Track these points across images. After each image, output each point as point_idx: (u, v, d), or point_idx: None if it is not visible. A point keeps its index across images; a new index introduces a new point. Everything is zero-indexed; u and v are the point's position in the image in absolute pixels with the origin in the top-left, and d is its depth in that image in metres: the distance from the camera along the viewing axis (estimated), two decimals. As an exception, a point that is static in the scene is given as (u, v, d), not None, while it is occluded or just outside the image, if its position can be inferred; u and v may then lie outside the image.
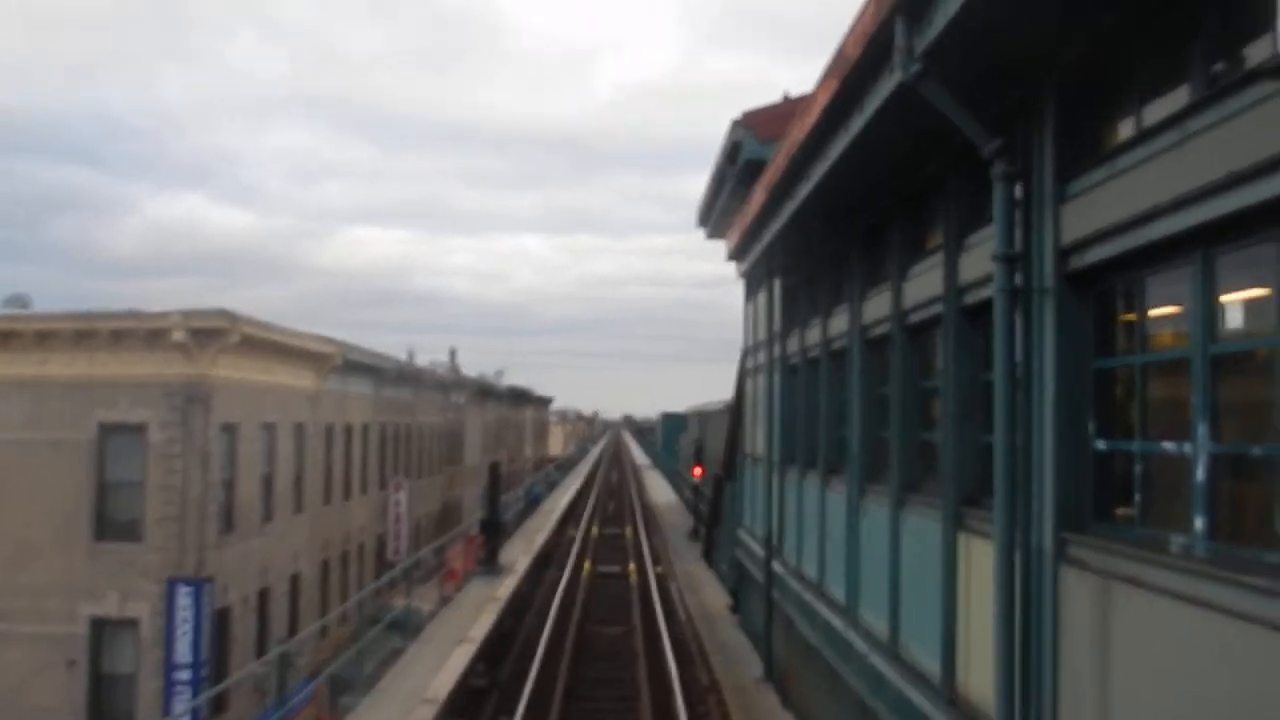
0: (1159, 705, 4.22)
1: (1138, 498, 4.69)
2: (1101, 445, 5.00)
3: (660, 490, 51.00)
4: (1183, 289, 4.33)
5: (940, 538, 6.85)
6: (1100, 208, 4.81)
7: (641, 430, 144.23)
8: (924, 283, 7.44)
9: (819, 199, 8.77)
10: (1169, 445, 4.42)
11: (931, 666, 6.98)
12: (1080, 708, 4.86)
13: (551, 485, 55.08)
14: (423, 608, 22.91)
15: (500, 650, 15.20)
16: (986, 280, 5.90)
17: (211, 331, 20.53)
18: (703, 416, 37.00)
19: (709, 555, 24.35)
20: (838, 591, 9.91)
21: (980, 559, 6.08)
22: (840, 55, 6.54)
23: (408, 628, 20.31)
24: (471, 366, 56.04)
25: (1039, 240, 5.35)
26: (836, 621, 9.75)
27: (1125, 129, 4.82)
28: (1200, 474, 4.08)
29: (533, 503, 46.76)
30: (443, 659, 13.10)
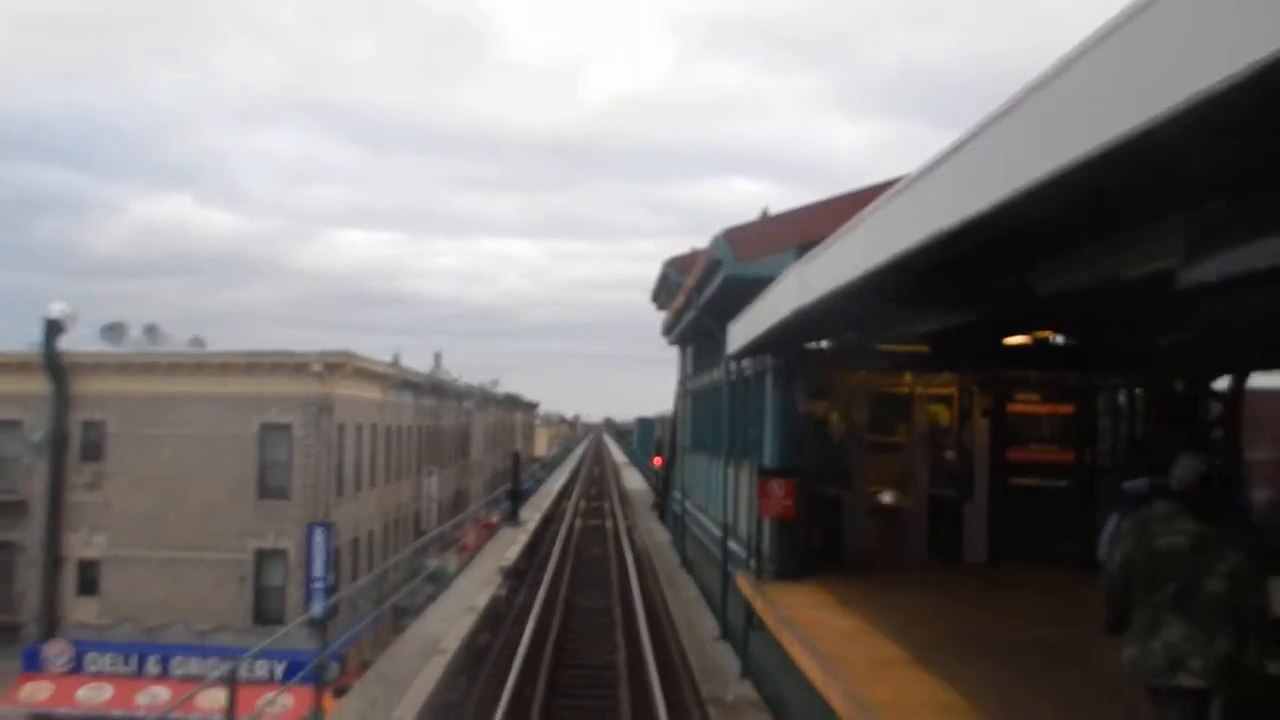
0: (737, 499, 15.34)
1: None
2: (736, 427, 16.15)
3: (634, 481, 62.06)
4: (763, 384, 15.41)
5: (722, 470, 17.93)
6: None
7: (621, 433, 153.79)
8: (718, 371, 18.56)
9: (688, 328, 19.94)
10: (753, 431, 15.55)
11: (719, 516, 18.08)
12: (737, 505, 15.98)
13: (539, 483, 64.34)
14: (449, 567, 33.22)
15: (530, 556, 26.26)
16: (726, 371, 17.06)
17: (336, 364, 31.43)
18: (664, 421, 48.15)
19: (661, 516, 35.46)
20: (702, 501, 21.06)
21: (730, 475, 17.19)
22: (684, 287, 17.72)
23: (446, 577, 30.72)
24: (456, 369, 58.80)
25: (738, 364, 16.45)
26: (703, 518, 20.86)
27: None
28: (757, 434, 15.18)
29: (525, 493, 56.94)
30: (503, 553, 24.13)
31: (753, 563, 13.67)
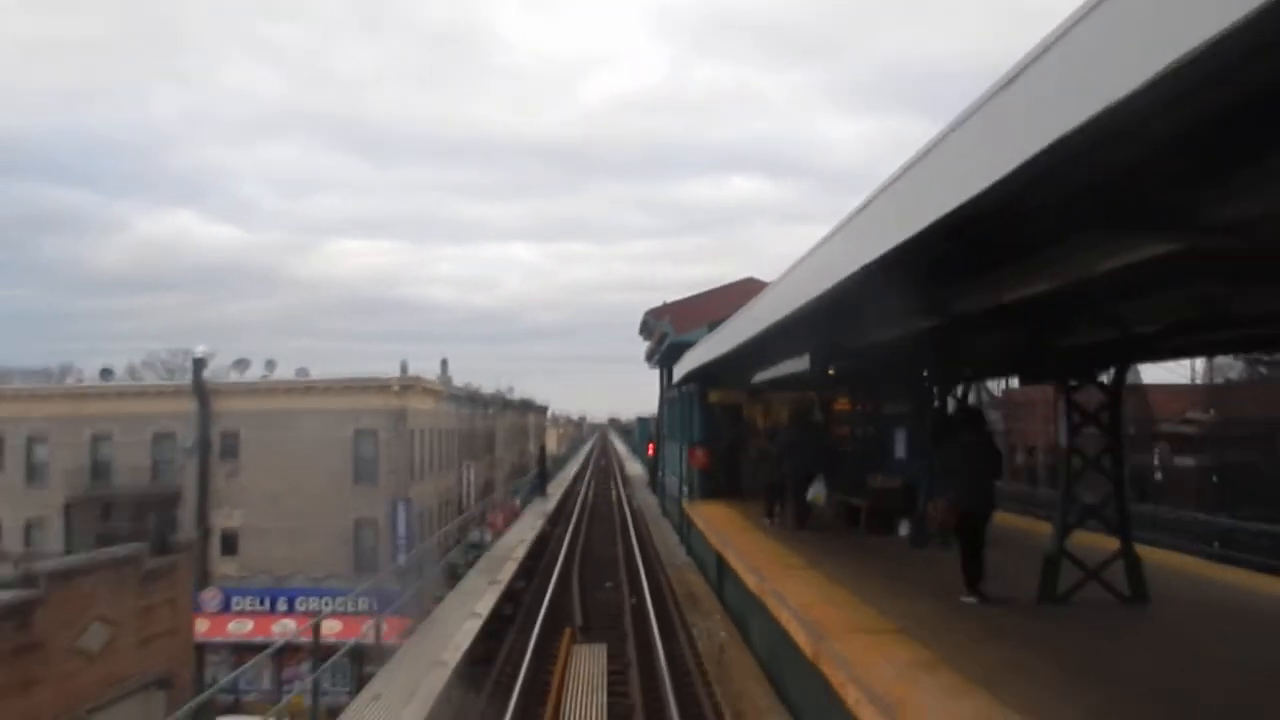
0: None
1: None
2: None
3: (634, 469, 73.46)
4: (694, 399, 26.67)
5: (680, 449, 29.18)
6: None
7: (625, 430, 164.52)
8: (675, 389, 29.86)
9: (658, 362, 31.29)
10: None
11: (679, 473, 29.37)
12: (684, 465, 27.30)
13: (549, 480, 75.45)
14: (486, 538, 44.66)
15: (559, 512, 37.66)
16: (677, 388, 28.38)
17: (408, 385, 42.67)
18: (656, 419, 59.52)
19: (653, 490, 46.79)
20: (671, 468, 32.38)
21: (681, 449, 28.48)
22: (654, 337, 29.08)
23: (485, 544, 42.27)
24: (461, 375, 60.56)
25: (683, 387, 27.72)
26: (672, 478, 32.17)
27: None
28: (691, 425, 26.49)
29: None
30: (543, 508, 35.43)
31: (689, 493, 24.96)
